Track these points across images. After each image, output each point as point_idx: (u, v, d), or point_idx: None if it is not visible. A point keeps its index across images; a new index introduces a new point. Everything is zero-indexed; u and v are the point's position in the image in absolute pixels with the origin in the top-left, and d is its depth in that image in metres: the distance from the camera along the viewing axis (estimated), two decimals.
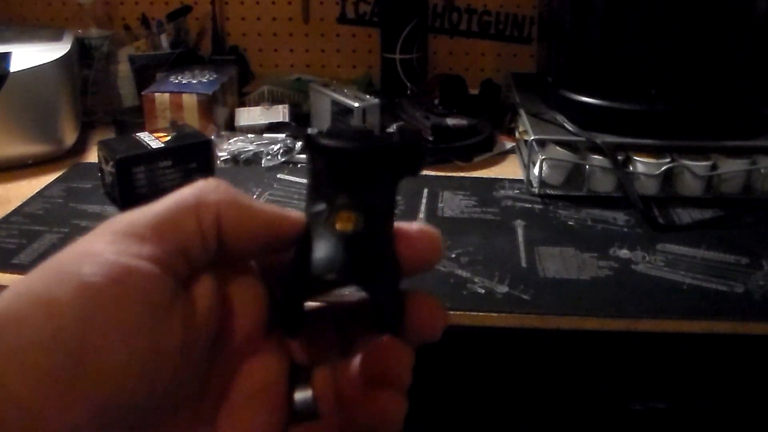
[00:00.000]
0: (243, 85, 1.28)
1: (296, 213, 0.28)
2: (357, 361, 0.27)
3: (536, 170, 0.93)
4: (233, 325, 0.27)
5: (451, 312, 0.69)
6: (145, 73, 1.17)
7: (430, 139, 1.03)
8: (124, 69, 1.20)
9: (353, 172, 0.28)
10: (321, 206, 0.27)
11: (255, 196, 0.92)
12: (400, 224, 0.28)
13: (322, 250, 0.26)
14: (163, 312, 0.23)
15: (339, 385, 0.27)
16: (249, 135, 1.08)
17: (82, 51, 1.16)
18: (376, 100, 1.03)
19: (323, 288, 0.28)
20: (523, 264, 0.76)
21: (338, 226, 0.27)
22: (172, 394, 0.24)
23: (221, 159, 1.02)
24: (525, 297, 0.71)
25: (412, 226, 0.28)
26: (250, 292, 0.27)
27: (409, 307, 0.27)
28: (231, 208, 0.26)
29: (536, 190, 0.93)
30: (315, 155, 0.28)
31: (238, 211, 0.26)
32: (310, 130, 0.29)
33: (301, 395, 0.28)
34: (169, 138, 0.93)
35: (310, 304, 0.29)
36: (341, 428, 0.27)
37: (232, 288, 0.27)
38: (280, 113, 1.13)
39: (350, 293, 0.28)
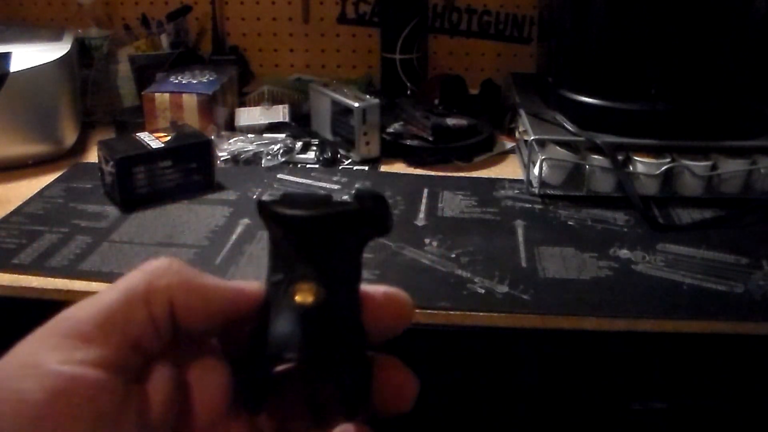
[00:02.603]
0: (243, 85, 1.28)
1: (254, 285, 0.26)
2: None
3: (536, 170, 0.93)
4: (194, 409, 0.25)
5: (451, 312, 0.69)
6: (145, 73, 1.17)
7: (430, 139, 1.03)
8: (124, 69, 1.20)
9: (311, 240, 0.26)
10: (280, 276, 0.26)
11: (255, 196, 0.92)
12: (365, 289, 0.26)
13: (280, 325, 0.25)
14: (114, 417, 0.22)
15: None
16: (249, 135, 1.08)
17: (82, 51, 1.16)
18: (376, 100, 1.03)
19: (283, 365, 0.26)
20: (523, 264, 0.76)
21: (297, 299, 0.25)
22: None
23: (221, 159, 1.02)
24: (525, 297, 0.71)
25: (378, 291, 0.26)
26: (211, 373, 0.26)
27: (378, 379, 0.25)
28: (184, 291, 0.24)
29: (536, 190, 0.93)
30: (270, 223, 0.27)
31: (193, 294, 0.25)
32: (263, 197, 0.26)
33: None
34: (169, 138, 0.93)
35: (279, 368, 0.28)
36: None
37: (191, 370, 0.25)
38: (280, 113, 1.13)
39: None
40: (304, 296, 0.25)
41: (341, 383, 0.25)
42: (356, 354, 0.25)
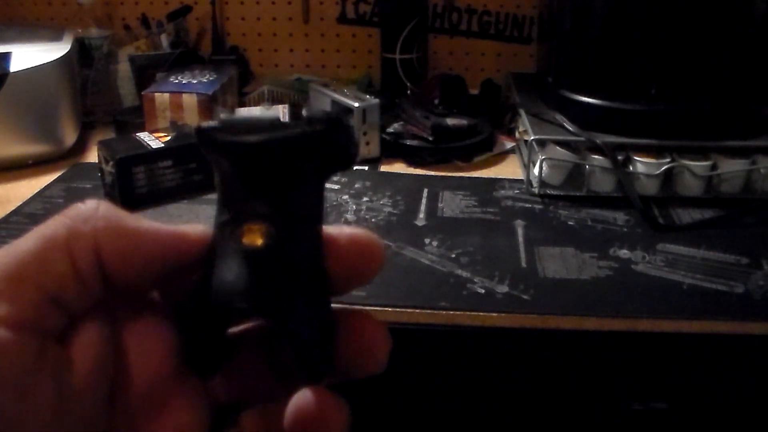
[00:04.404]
0: (243, 85, 1.28)
1: (199, 228, 0.23)
2: (286, 409, 0.23)
3: (536, 170, 0.93)
4: (132, 374, 0.22)
5: (451, 312, 0.69)
6: (145, 73, 1.17)
7: (430, 139, 1.03)
8: (124, 69, 1.20)
9: (259, 171, 0.22)
10: (227, 216, 0.23)
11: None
12: (328, 230, 0.23)
13: (225, 271, 0.22)
14: (23, 383, 0.19)
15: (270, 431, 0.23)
16: None
17: (82, 51, 1.16)
18: (376, 100, 1.03)
19: (232, 318, 0.23)
20: (523, 264, 0.76)
21: (245, 240, 0.22)
22: None
23: None
24: (525, 297, 0.71)
25: (342, 232, 0.23)
26: (150, 331, 0.23)
27: (343, 335, 0.22)
28: (113, 236, 0.21)
29: (536, 190, 0.93)
30: (212, 154, 0.23)
31: (123, 239, 0.21)
32: (202, 123, 0.23)
33: None
34: (169, 138, 0.93)
35: (235, 328, 0.24)
36: None
37: (126, 330, 0.22)
38: (280, 113, 1.13)
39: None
40: (252, 237, 0.22)
41: (298, 339, 0.21)
42: (316, 305, 0.22)
